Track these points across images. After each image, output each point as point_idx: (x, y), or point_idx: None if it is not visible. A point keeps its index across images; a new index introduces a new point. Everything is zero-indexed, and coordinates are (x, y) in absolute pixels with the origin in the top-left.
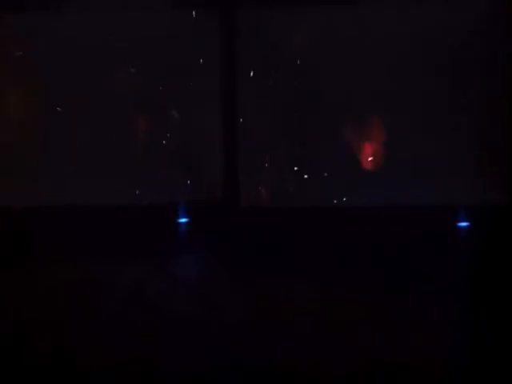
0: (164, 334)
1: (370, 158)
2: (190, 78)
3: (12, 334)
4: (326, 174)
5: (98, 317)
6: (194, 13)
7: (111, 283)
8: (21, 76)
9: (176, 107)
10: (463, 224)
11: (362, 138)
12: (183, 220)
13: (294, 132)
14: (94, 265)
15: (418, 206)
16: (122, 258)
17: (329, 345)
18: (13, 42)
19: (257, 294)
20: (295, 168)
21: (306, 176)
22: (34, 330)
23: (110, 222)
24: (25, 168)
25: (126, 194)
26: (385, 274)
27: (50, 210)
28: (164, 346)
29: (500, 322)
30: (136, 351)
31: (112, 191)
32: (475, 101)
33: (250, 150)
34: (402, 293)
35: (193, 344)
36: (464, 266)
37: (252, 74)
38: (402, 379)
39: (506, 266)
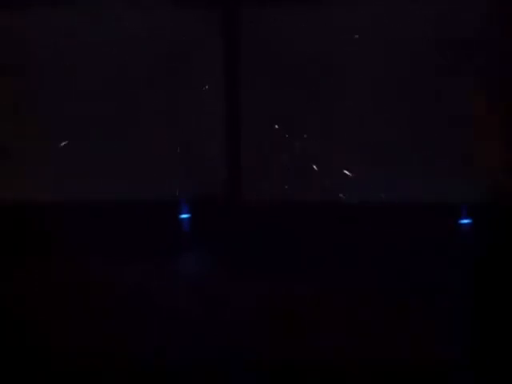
0: (164, 332)
1: (369, 157)
2: (191, 76)
3: (13, 334)
4: (327, 173)
5: (98, 315)
6: (195, 12)
7: (111, 280)
8: (20, 75)
9: (177, 105)
10: (464, 223)
11: (363, 137)
12: (184, 217)
13: (297, 130)
14: (93, 262)
15: (418, 205)
16: (122, 255)
17: (329, 344)
18: (12, 38)
19: (258, 292)
20: (297, 166)
21: (307, 174)
22: (34, 329)
23: (110, 219)
24: (24, 165)
25: (126, 191)
26: (385, 274)
27: (49, 208)
28: (164, 343)
29: (501, 321)
30: (136, 349)
31: (112, 188)
32: (475, 100)
33: (253, 147)
34: (402, 292)
35: (193, 342)
36: (465, 266)
37: (254, 72)
38: (403, 379)
39: (508, 265)
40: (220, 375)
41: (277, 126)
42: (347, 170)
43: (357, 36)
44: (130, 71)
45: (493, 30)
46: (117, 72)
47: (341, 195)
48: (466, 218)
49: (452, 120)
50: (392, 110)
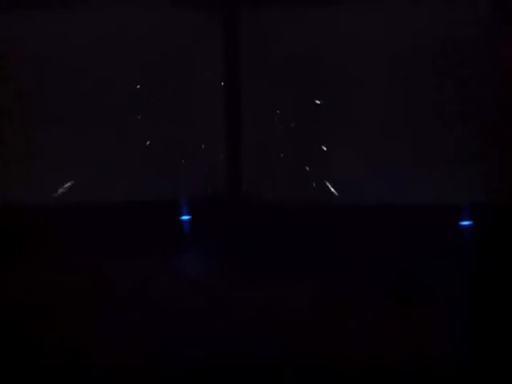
0: (167, 331)
1: (369, 157)
2: (191, 76)
3: (13, 333)
4: (327, 172)
5: (101, 313)
6: (195, 13)
7: (113, 280)
8: (20, 75)
9: (178, 104)
10: (464, 223)
11: (363, 138)
12: (185, 217)
13: (296, 130)
14: (95, 262)
15: (418, 205)
16: (123, 254)
17: (329, 343)
18: (12, 40)
19: (259, 291)
20: (297, 165)
21: (307, 173)
22: (35, 327)
23: (111, 219)
24: (25, 166)
25: (127, 190)
26: (385, 274)
27: (50, 207)
28: (166, 341)
29: (502, 321)
30: (138, 348)
31: (113, 188)
32: (475, 100)
33: (253, 147)
34: (402, 292)
35: (196, 340)
36: (465, 266)
37: (255, 73)
38: (403, 379)
39: (508, 265)
40: (218, 372)
41: (277, 126)
42: (347, 170)
43: (356, 36)
44: (129, 71)
45: (492, 31)
46: (116, 72)
47: (340, 197)
48: (466, 219)
49: (452, 120)
50: (392, 111)
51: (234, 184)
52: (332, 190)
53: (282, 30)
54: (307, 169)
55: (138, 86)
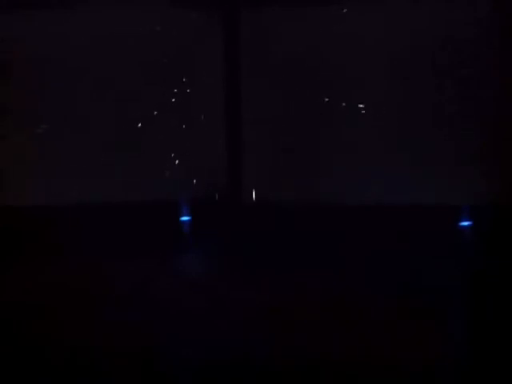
0: (167, 331)
1: (369, 157)
2: (190, 76)
3: (13, 333)
4: (328, 173)
5: (101, 313)
6: (195, 13)
7: (113, 280)
8: (20, 75)
9: (178, 104)
10: (464, 223)
11: (363, 138)
12: (185, 217)
13: (297, 130)
14: (95, 262)
15: (418, 205)
16: (123, 254)
17: (329, 343)
18: (12, 40)
19: (259, 292)
20: (297, 166)
21: (308, 173)
22: (35, 327)
23: (111, 219)
24: (25, 166)
25: (127, 190)
26: (385, 274)
27: (50, 207)
28: (166, 343)
29: (502, 322)
30: (138, 348)
31: (113, 188)
32: (475, 100)
33: (253, 147)
34: (402, 293)
35: (196, 340)
36: (465, 266)
37: (255, 73)
38: (403, 379)
39: (508, 265)
40: (216, 374)
41: (277, 127)
42: (347, 170)
43: (356, 36)
44: (129, 71)
45: (492, 31)
46: (117, 72)
47: (340, 197)
48: (466, 219)
49: (452, 120)
50: (392, 111)
51: (234, 184)
52: (332, 190)
53: (282, 29)
54: (307, 169)
55: (138, 86)
